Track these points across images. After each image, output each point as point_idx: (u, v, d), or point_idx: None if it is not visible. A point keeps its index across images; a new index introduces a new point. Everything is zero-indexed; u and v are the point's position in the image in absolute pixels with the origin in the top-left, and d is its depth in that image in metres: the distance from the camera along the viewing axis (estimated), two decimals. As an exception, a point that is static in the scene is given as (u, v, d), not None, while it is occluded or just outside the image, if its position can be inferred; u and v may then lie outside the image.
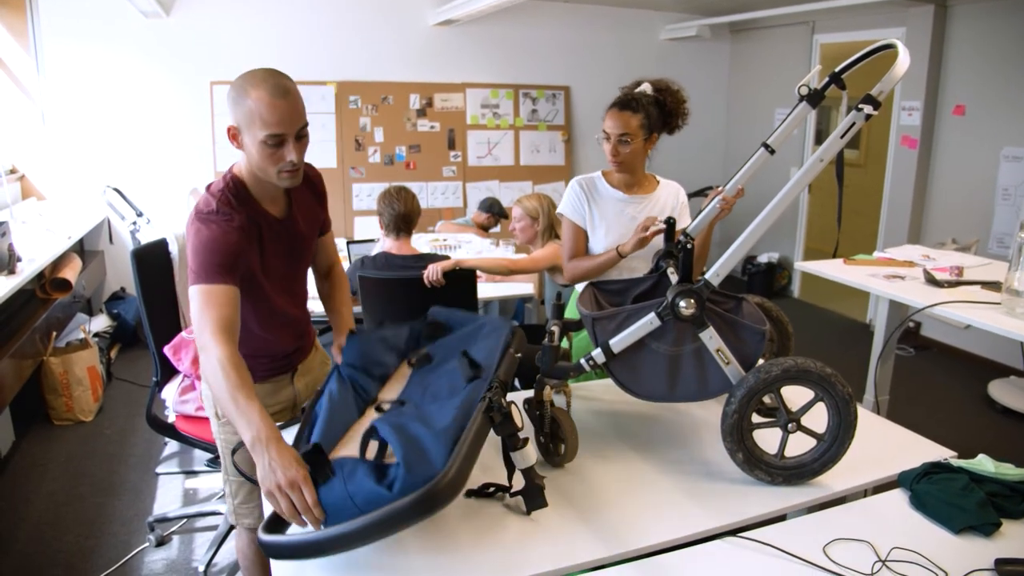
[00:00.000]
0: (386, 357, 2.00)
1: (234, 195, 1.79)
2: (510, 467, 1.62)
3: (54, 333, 4.16)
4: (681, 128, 2.57)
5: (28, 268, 3.69)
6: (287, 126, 1.69)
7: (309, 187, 2.00)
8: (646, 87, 2.49)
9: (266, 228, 1.85)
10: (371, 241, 4.09)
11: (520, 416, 1.57)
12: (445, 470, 1.26)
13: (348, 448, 1.61)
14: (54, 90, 5.33)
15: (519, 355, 1.83)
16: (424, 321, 2.09)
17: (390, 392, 1.87)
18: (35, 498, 3.35)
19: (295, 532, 1.40)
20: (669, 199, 2.61)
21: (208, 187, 1.82)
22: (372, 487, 1.32)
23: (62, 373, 4.02)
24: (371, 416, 1.76)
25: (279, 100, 1.67)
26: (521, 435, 1.56)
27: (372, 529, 1.24)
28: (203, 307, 1.65)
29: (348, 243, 4.25)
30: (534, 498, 1.58)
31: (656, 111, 2.47)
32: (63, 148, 5.40)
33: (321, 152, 6.05)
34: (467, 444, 1.35)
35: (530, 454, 1.57)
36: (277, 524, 1.43)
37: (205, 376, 1.61)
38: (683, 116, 2.54)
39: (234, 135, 1.74)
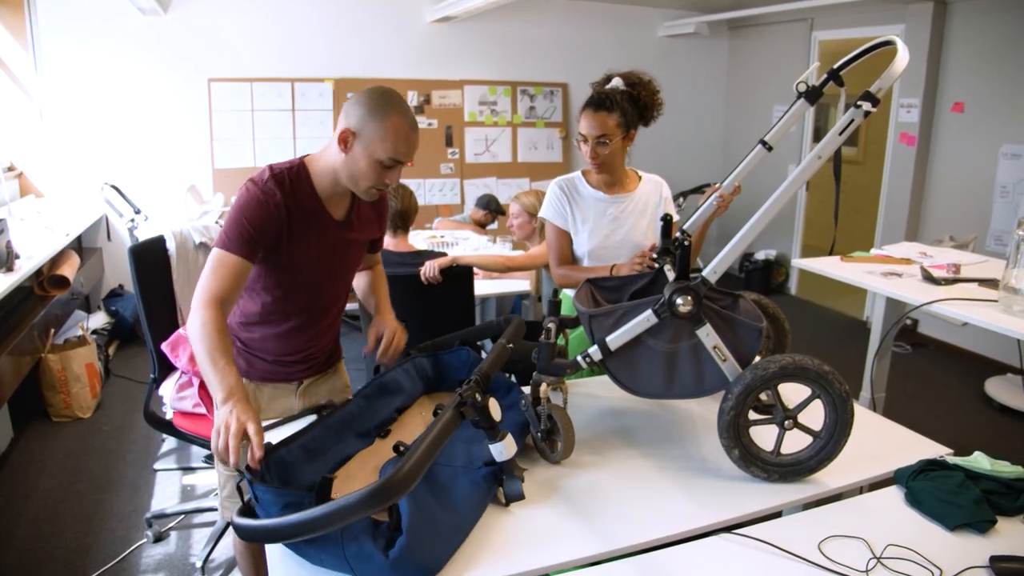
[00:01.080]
0: (412, 386, 2.02)
1: (292, 180, 1.81)
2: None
3: (52, 330, 4.16)
4: (656, 119, 2.53)
5: (26, 265, 3.69)
6: (409, 157, 1.80)
7: (373, 205, 2.02)
8: (617, 82, 2.45)
9: (316, 225, 1.86)
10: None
11: (497, 409, 1.59)
12: (402, 463, 1.28)
13: (351, 481, 1.64)
14: (52, 87, 5.32)
15: (511, 346, 1.85)
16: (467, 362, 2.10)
17: (406, 430, 1.89)
18: (33, 494, 3.35)
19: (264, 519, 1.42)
20: (652, 196, 2.58)
21: (279, 162, 1.86)
22: (369, 548, 1.35)
23: (60, 370, 4.02)
24: (383, 448, 1.79)
25: (413, 133, 1.78)
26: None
27: (330, 518, 1.26)
28: (211, 272, 1.72)
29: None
30: (513, 490, 1.61)
31: (631, 106, 2.43)
32: (61, 145, 5.40)
33: (319, 149, 6.03)
34: (428, 441, 1.36)
35: (509, 447, 1.59)
36: (251, 509, 1.44)
37: (189, 336, 1.66)
38: (658, 107, 2.50)
39: (345, 139, 1.76)
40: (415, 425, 1.92)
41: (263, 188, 1.76)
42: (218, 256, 1.73)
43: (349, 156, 1.78)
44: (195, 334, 1.64)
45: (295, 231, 1.82)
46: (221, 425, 1.49)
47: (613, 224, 2.52)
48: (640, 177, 2.61)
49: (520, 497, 1.61)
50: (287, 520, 1.30)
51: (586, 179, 2.56)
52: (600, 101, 2.40)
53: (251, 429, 1.48)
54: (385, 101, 1.75)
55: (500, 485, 1.62)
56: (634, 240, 2.51)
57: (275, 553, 1.47)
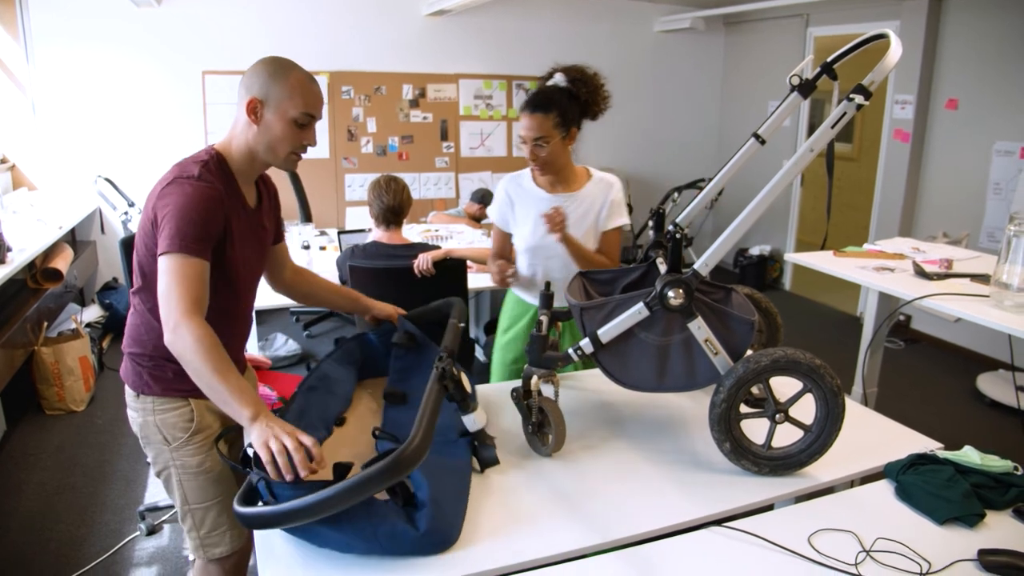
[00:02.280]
0: (347, 374, 2.04)
1: (217, 170, 1.74)
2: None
3: (45, 323, 4.15)
4: (604, 111, 2.46)
5: (19, 258, 3.68)
6: (319, 111, 1.79)
7: (267, 190, 1.96)
8: (559, 79, 2.39)
9: (242, 213, 1.80)
10: (362, 231, 4.09)
11: (468, 382, 1.69)
12: (411, 437, 1.34)
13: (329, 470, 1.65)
14: (45, 80, 5.30)
15: (462, 324, 1.95)
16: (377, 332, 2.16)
17: (355, 414, 1.93)
18: (27, 488, 3.35)
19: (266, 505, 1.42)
20: (596, 198, 2.48)
21: (182, 159, 1.76)
22: (401, 525, 1.41)
23: (53, 363, 4.01)
24: (343, 436, 1.83)
25: (315, 86, 1.78)
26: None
27: (350, 493, 1.29)
28: (176, 281, 1.58)
29: (339, 233, 4.25)
30: (487, 456, 1.72)
31: (571, 104, 2.36)
32: (54, 138, 5.38)
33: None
34: (428, 413, 1.44)
35: (480, 417, 1.71)
36: (250, 497, 1.44)
37: (180, 355, 1.56)
38: (602, 101, 2.43)
39: (253, 109, 1.72)
40: (364, 411, 1.95)
41: (204, 181, 1.67)
42: (180, 262, 1.59)
43: (262, 126, 1.74)
44: (191, 350, 1.53)
45: (231, 223, 1.74)
46: (271, 445, 1.43)
47: None
48: (591, 177, 2.52)
49: (495, 462, 1.72)
50: (309, 500, 1.30)
51: (533, 176, 2.52)
52: (536, 102, 2.34)
53: (307, 441, 1.45)
54: (281, 62, 1.75)
55: (474, 454, 1.72)
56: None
57: (265, 550, 1.47)
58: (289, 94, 1.72)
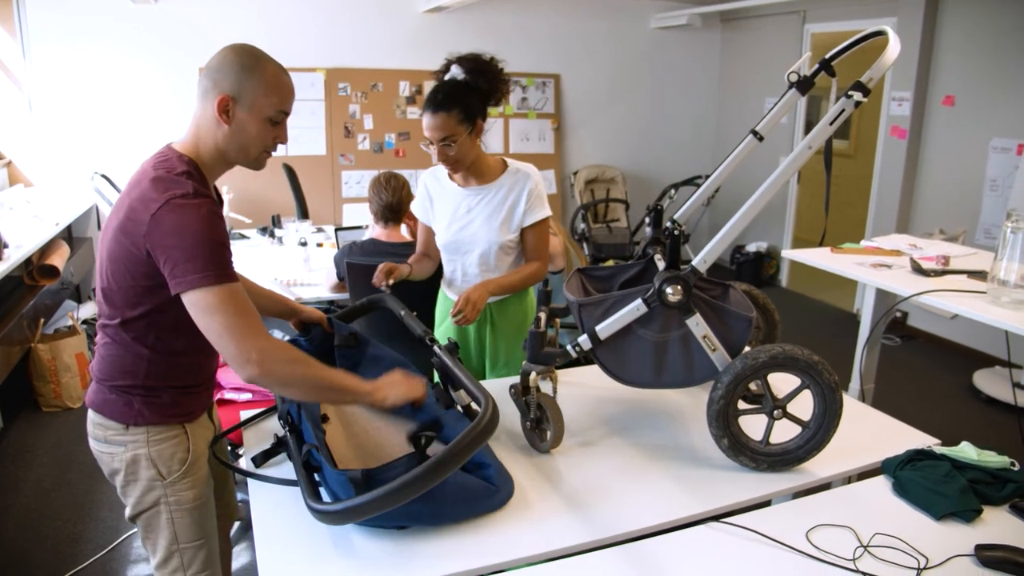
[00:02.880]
0: None
1: (199, 176, 1.59)
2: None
3: (42, 320, 4.15)
4: (507, 95, 2.39)
5: (15, 254, 3.67)
6: (291, 106, 1.67)
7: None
8: (456, 71, 2.32)
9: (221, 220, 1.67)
10: (359, 228, 4.09)
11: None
12: (485, 406, 1.46)
13: (349, 463, 1.71)
14: (41, 77, 5.29)
15: (415, 312, 2.05)
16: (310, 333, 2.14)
17: (336, 412, 1.94)
18: (23, 485, 3.34)
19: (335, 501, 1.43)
20: (512, 190, 2.40)
21: (156, 171, 1.55)
22: (484, 487, 1.58)
23: (50, 360, 4.01)
24: (335, 433, 1.84)
25: (289, 79, 1.66)
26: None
27: (451, 460, 1.35)
28: (233, 314, 1.47)
29: (336, 230, 4.25)
30: None
31: (472, 97, 2.28)
32: (51, 135, 5.36)
33: (310, 139, 6.03)
34: (478, 384, 1.62)
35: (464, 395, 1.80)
36: (316, 494, 1.49)
37: (276, 385, 1.56)
38: (504, 86, 2.35)
39: (225, 108, 1.56)
40: (332, 406, 1.96)
41: (200, 196, 1.52)
42: (224, 294, 1.47)
43: (234, 125, 1.58)
44: (285, 377, 1.52)
45: None
46: (412, 395, 1.67)
47: (467, 217, 2.42)
48: (506, 168, 2.45)
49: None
50: (415, 473, 1.33)
51: (448, 171, 2.46)
52: (437, 101, 2.24)
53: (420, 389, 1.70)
54: (252, 54, 1.60)
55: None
56: (484, 236, 2.40)
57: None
58: (264, 91, 1.58)
